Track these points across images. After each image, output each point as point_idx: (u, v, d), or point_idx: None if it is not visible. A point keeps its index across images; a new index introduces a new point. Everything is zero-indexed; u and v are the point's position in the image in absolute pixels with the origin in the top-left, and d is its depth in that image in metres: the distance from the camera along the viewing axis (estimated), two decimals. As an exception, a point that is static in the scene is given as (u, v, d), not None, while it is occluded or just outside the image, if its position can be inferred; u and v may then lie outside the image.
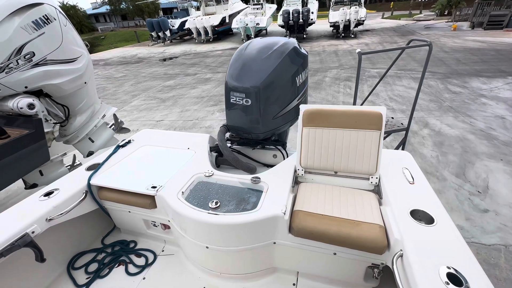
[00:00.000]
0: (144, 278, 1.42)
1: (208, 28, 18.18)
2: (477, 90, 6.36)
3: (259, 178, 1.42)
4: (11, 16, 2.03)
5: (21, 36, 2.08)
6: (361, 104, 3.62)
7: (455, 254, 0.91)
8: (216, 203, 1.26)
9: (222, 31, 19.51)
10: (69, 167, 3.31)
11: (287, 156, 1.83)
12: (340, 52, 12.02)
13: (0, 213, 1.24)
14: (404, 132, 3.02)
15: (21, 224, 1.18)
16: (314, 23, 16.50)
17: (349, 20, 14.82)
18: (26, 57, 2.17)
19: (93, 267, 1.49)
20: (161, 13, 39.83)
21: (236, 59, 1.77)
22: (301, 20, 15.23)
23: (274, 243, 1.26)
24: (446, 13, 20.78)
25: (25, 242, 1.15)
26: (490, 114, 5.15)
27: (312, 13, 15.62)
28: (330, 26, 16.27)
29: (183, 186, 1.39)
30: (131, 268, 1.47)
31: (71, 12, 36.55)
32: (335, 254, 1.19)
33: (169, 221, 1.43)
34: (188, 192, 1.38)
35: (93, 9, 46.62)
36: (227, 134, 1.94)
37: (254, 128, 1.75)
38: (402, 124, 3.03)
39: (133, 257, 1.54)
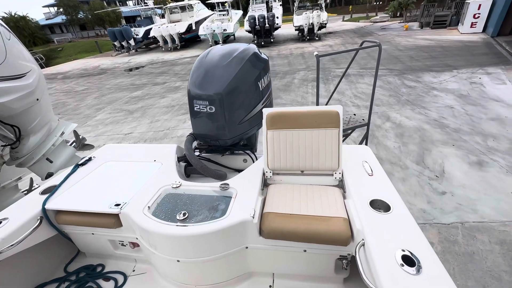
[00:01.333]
0: (114, 303, 1.33)
1: (174, 36, 17.86)
2: (429, 83, 6.98)
3: (228, 185, 1.42)
4: None
5: (-45, 52, 1.88)
6: (327, 103, 3.79)
7: (409, 237, 0.99)
8: (184, 214, 1.23)
9: (189, 38, 19.29)
10: (25, 192, 3.02)
11: (257, 160, 1.86)
12: (306, 55, 12.49)
13: None
14: (366, 127, 3.21)
15: None
16: (280, 27, 16.98)
17: (312, 24, 15.50)
18: (-37, 74, 1.97)
19: (56, 299, 1.37)
20: (123, 21, 38.26)
21: (197, 66, 1.77)
22: (267, 25, 15.59)
23: (247, 247, 1.26)
24: (398, 15, 22.62)
25: (-32, 282, 1.03)
26: (441, 104, 5.68)
27: (277, 17, 16.08)
28: (296, 30, 16.86)
29: (149, 201, 1.34)
30: (100, 294, 1.38)
31: (21, 24, 33.67)
32: (305, 251, 1.22)
33: (137, 238, 1.37)
34: (155, 206, 1.33)
35: (46, 19, 43.39)
36: (195, 143, 1.92)
37: (221, 135, 1.75)
38: (363, 120, 3.23)
39: (100, 281, 1.44)
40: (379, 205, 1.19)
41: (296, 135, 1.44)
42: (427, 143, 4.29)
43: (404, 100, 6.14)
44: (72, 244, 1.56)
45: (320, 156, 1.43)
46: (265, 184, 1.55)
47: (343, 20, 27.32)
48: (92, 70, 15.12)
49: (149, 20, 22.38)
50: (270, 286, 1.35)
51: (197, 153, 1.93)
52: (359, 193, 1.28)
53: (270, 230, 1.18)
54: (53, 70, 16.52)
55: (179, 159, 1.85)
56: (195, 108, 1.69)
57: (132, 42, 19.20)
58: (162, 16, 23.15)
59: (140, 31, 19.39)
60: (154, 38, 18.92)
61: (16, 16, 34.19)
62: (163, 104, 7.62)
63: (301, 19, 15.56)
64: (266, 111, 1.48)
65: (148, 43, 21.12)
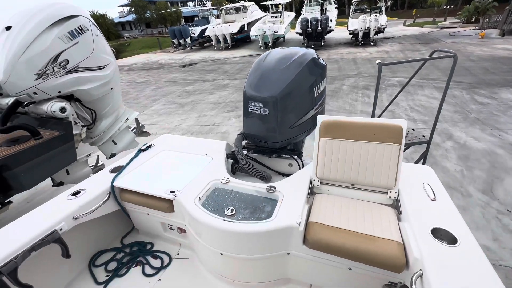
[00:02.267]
0: (159, 280, 1.46)
1: (227, 36, 18.64)
2: (508, 101, 6.00)
3: (275, 188, 1.43)
4: (51, 27, 2.21)
5: (58, 45, 2.25)
6: (380, 115, 3.53)
7: (479, 278, 0.87)
8: (232, 210, 1.28)
9: (241, 39, 19.92)
10: (92, 167, 3.49)
11: (303, 166, 1.83)
12: (358, 60, 11.85)
13: (33, 210, 1.34)
14: (426, 145, 2.90)
15: (51, 222, 1.26)
16: (333, 30, 16.42)
17: (368, 28, 14.62)
18: (61, 64, 2.35)
19: (112, 265, 1.56)
20: (182, 21, 41.41)
21: (255, 69, 1.81)
22: (319, 28, 15.22)
23: (288, 253, 1.26)
24: (473, 20, 19.92)
25: (54, 238, 1.23)
26: (522, 127, 4.83)
27: (331, 20, 15.58)
28: (349, 34, 16.11)
29: (200, 192, 1.42)
30: (148, 269, 1.52)
31: (100, 21, 38.91)
32: (350, 269, 1.17)
33: (185, 225, 1.47)
34: (204, 198, 1.41)
35: (120, 17, 49.42)
36: (244, 142, 1.97)
37: (270, 137, 1.77)
38: (423, 136, 2.93)
39: (149, 258, 1.59)
40: (442, 235, 1.07)
41: (351, 146, 1.38)
42: (499, 170, 3.70)
43: (473, 118, 5.39)
44: (129, 220, 1.75)
45: (375, 171, 1.35)
46: (311, 192, 1.52)
47: (404, 25, 25.18)
48: (152, 64, 16.69)
49: (206, 20, 23.79)
50: (307, 296, 1.32)
51: (244, 152, 1.99)
52: (418, 218, 1.16)
53: (315, 241, 1.15)
54: (120, 62, 18.71)
55: (227, 156, 1.93)
56: (249, 108, 1.74)
57: (188, 40, 20.65)
58: (218, 16, 24.39)
59: (196, 30, 20.73)
60: (208, 37, 20.04)
61: (97, 14, 39.74)
62: (211, 100, 8.02)
63: (357, 22, 14.79)
64: (321, 118, 1.45)
65: (202, 42, 22.46)
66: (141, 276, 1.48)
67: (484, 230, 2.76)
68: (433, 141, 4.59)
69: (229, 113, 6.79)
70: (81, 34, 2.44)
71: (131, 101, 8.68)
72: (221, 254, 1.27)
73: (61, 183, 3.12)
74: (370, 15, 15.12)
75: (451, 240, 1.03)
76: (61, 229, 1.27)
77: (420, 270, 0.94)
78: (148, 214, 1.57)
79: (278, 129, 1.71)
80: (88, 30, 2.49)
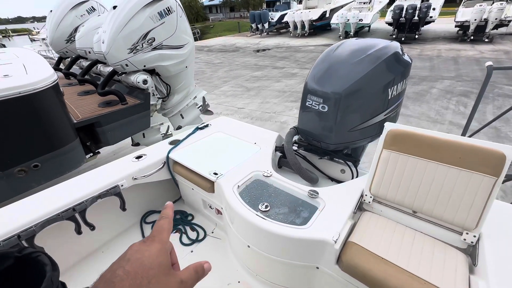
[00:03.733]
0: (191, 251, 1.56)
1: (305, 22, 17.90)
2: None
3: (317, 193, 1.30)
4: (145, 7, 2.50)
5: (148, 24, 2.54)
6: (476, 132, 2.82)
7: None
8: (266, 206, 1.23)
9: (320, 26, 18.84)
10: (163, 135, 3.97)
11: (357, 175, 1.62)
12: (461, 60, 9.71)
13: (103, 165, 1.59)
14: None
15: (115, 178, 1.48)
16: (434, 21, 13.72)
17: (486, 20, 11.60)
18: (149, 41, 2.66)
19: (157, 226, 1.75)
20: (264, 5, 41.76)
21: (322, 60, 1.65)
22: (416, 17, 12.91)
23: (317, 268, 1.15)
24: None
25: (116, 191, 1.45)
26: None
27: (434, 9, 13.03)
28: (456, 26, 13.17)
29: (241, 180, 1.42)
30: (184, 239, 1.65)
31: (192, 4, 42.74)
32: (387, 309, 0.98)
33: (222, 208, 1.51)
34: (243, 187, 1.41)
35: (209, 1, 53.31)
36: (296, 137, 1.87)
37: (325, 137, 1.61)
38: (538, 169, 2.20)
39: (188, 229, 1.72)
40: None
41: (422, 166, 1.12)
42: None
43: None
44: (177, 189, 1.92)
45: (450, 203, 1.07)
46: (360, 208, 1.33)
47: (543, 18, 19.07)
48: (229, 47, 17.58)
49: (287, 5, 23.31)
50: (330, 318, 1.20)
51: (295, 148, 1.89)
52: (502, 277, 0.87)
53: (350, 265, 1.01)
54: (202, 43, 20.37)
55: (277, 148, 1.87)
56: (307, 102, 1.61)
57: (266, 25, 20.76)
58: (300, 1, 23.53)
59: (275, 15, 20.59)
60: (286, 23, 19.66)
61: (190, -3, 43.74)
62: (277, 88, 7.98)
63: (470, 12, 11.87)
64: (389, 126, 1.22)
65: (280, 27, 22.23)
66: (178, 243, 1.61)
67: None
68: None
69: (292, 103, 6.63)
70: (168, 15, 2.69)
71: (204, 80, 9.42)
72: (248, 246, 1.26)
73: (138, 144, 3.68)
74: (493, 3, 11.93)
75: None
76: (122, 185, 1.48)
77: None
78: (192, 189, 1.67)
79: (336, 129, 1.54)
80: (174, 11, 2.73)
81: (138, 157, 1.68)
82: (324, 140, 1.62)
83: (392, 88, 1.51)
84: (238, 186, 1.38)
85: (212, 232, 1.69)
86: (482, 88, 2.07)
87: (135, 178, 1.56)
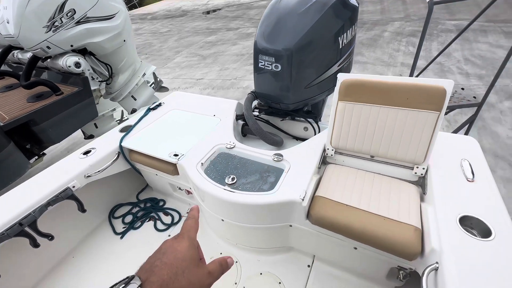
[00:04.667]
0: (169, 236, 1.54)
1: (254, -26, 16.43)
2: None
3: (282, 156, 1.30)
4: (49, -29, 2.03)
5: (61, -8, 2.10)
6: (422, 70, 2.98)
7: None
8: (233, 179, 1.21)
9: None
10: (118, 121, 3.63)
11: (319, 131, 1.65)
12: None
13: (46, 169, 1.41)
14: (476, 108, 2.44)
15: (64, 179, 1.33)
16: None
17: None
18: (68, 14, 2.23)
19: (128, 218, 1.68)
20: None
21: (268, 14, 1.52)
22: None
23: (290, 225, 1.20)
24: None
25: (67, 195, 1.31)
26: None
27: None
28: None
29: (204, 157, 1.36)
30: (159, 225, 1.61)
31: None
32: (355, 248, 1.08)
33: (191, 188, 1.46)
34: (208, 163, 1.36)
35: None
36: (255, 102, 1.80)
37: (283, 97, 1.57)
38: (474, 97, 2.44)
39: (161, 214, 1.67)
40: (473, 225, 0.90)
41: (375, 112, 1.15)
42: None
43: (548, 72, 4.39)
44: (142, 177, 1.81)
45: (402, 142, 1.14)
46: (324, 162, 1.37)
47: None
48: (175, 11, 15.79)
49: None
50: (309, 266, 1.31)
51: (256, 113, 1.84)
52: (446, 200, 0.99)
53: (318, 217, 1.06)
54: (143, 11, 17.99)
55: (238, 117, 1.80)
56: (260, 64, 1.52)
57: (212, -19, 18.72)
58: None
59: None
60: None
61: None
62: (234, 51, 7.55)
63: None
64: (342, 77, 1.20)
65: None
66: (153, 230, 1.57)
67: (528, 205, 2.45)
68: (487, 101, 3.93)
69: (252, 66, 6.38)
70: (84, -22, 2.24)
71: (154, 54, 8.55)
72: (222, 220, 1.26)
73: (91, 136, 3.34)
74: None
75: (484, 232, 0.86)
76: (73, 187, 1.34)
77: (436, 263, 0.82)
78: (156, 174, 1.59)
79: (292, 88, 1.50)
80: (91, -28, 2.27)
81: (86, 153, 1.51)
82: (283, 100, 1.58)
83: (343, 36, 1.46)
84: (202, 163, 1.33)
85: (187, 213, 1.67)
86: (425, 26, 2.12)
87: (88, 176, 1.41)
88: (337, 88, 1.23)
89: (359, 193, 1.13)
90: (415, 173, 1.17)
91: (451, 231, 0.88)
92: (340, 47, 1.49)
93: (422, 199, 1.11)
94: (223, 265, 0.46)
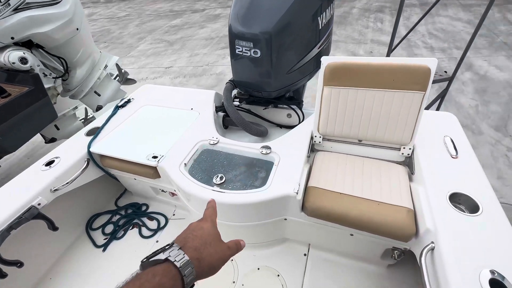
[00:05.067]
0: (157, 241, 1.45)
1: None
2: (545, 19, 5.16)
3: (270, 148, 1.25)
4: None
5: (-12, -27, 1.75)
6: (395, 47, 3.03)
7: (503, 255, 0.76)
8: (221, 178, 1.14)
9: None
10: (83, 120, 3.30)
11: (303, 117, 1.61)
12: (374, -27, 9.92)
13: (4, 185, 1.22)
14: (447, 83, 2.54)
15: (26, 197, 1.16)
16: None
17: None
18: (2, 0, 1.88)
19: (109, 228, 1.54)
20: None
21: (241, -7, 1.39)
22: None
23: (285, 219, 1.18)
24: None
25: (33, 214, 1.15)
26: (554, 51, 4.25)
27: None
28: None
29: (186, 156, 1.26)
30: (145, 231, 1.51)
31: None
32: (352, 235, 1.09)
33: (175, 190, 1.37)
34: (191, 163, 1.26)
35: None
36: (235, 91, 1.70)
37: (265, 85, 1.48)
38: (446, 72, 2.54)
39: (145, 220, 1.56)
40: (461, 202, 0.93)
41: (362, 96, 1.12)
42: (518, 103, 3.41)
43: (500, 42, 4.73)
44: (119, 182, 1.66)
45: (389, 124, 1.13)
46: (312, 149, 1.34)
47: None
48: (132, -8, 14.40)
49: None
50: (305, 254, 1.31)
51: (236, 103, 1.74)
52: (434, 179, 1.01)
53: (314, 209, 1.04)
54: (96, -7, 16.16)
55: (217, 109, 1.70)
56: (237, 49, 1.40)
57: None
58: None
59: None
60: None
61: None
62: (202, 35, 7.14)
63: None
64: (326, 61, 1.15)
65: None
66: (139, 238, 1.47)
67: (490, 168, 2.70)
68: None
69: (223, 50, 6.11)
70: (15, -45, 1.88)
71: (114, 42, 7.80)
72: (213, 221, 1.20)
73: (53, 139, 3.01)
74: None
75: (472, 208, 0.90)
76: (39, 204, 1.18)
77: (432, 243, 0.84)
78: (135, 179, 1.46)
79: (274, 74, 1.42)
80: None
81: (49, 163, 1.33)
82: (265, 88, 1.50)
83: (322, 16, 1.39)
84: (185, 164, 1.23)
85: (174, 215, 1.58)
86: (400, 6, 2.10)
87: (56, 189, 1.25)
88: (321, 73, 1.17)
89: (351, 180, 1.12)
90: (402, 153, 1.19)
91: (443, 209, 0.90)
92: (320, 27, 1.42)
93: (410, 179, 1.13)
94: (237, 245, 0.56)
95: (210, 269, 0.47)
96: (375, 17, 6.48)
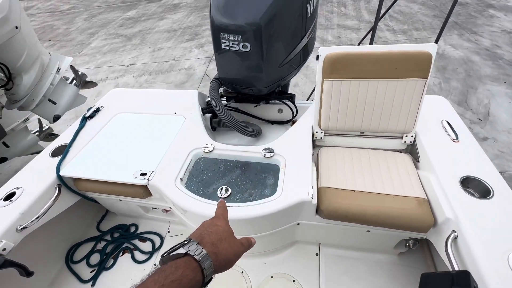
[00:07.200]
0: (155, 264, 1.30)
1: None
2: (485, -1, 5.67)
3: (273, 150, 1.16)
4: None
5: None
6: (370, 30, 3.05)
7: None
8: (227, 190, 1.03)
9: None
10: (37, 133, 2.88)
11: (297, 111, 1.54)
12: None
13: None
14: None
15: None
16: None
17: None
18: None
19: (95, 258, 1.35)
20: None
21: (221, -20, 1.23)
22: None
23: (298, 224, 1.11)
24: None
25: (-3, 264, 0.93)
26: (497, 28, 4.71)
27: None
28: None
29: (180, 170, 1.12)
30: (138, 255, 1.34)
31: None
32: (368, 231, 1.07)
33: (170, 207, 1.22)
34: (187, 176, 1.12)
35: None
36: (221, 89, 1.56)
37: (256, 81, 1.37)
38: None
39: (137, 242, 1.40)
40: (471, 186, 0.94)
41: (364, 87, 1.08)
42: (473, 79, 3.73)
43: (451, 22, 5.11)
44: (99, 204, 1.46)
45: (392, 114, 1.11)
46: (314, 146, 1.28)
47: None
48: (74, -18, 12.80)
49: None
50: (317, 254, 1.28)
51: (224, 102, 1.60)
52: (442, 166, 1.01)
53: (331, 211, 0.99)
54: (29, -17, 14.07)
55: (203, 110, 1.55)
56: (223, 44, 1.26)
57: None
58: None
59: None
60: None
61: None
62: (163, 28, 6.63)
63: None
64: (324, 52, 1.07)
65: None
66: (132, 264, 1.31)
67: (457, 141, 2.92)
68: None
69: (188, 42, 5.75)
70: None
71: (61, 40, 6.91)
72: (222, 237, 1.09)
73: (3, 159, 2.58)
74: None
75: (484, 192, 0.91)
76: (4, 249, 0.96)
77: (453, 231, 0.84)
78: (120, 200, 1.27)
79: (265, 68, 1.31)
80: None
81: (9, 197, 1.09)
82: (255, 84, 1.39)
83: (310, 3, 1.30)
84: (181, 178, 1.09)
85: (169, 232, 1.43)
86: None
87: (23, 228, 1.03)
88: (319, 66, 1.10)
89: (361, 174, 1.09)
90: (404, 141, 1.18)
91: (457, 196, 0.90)
92: (308, 15, 1.33)
93: (416, 166, 1.13)
94: (249, 242, 0.58)
95: (226, 263, 0.49)
96: (338, 2, 6.58)
